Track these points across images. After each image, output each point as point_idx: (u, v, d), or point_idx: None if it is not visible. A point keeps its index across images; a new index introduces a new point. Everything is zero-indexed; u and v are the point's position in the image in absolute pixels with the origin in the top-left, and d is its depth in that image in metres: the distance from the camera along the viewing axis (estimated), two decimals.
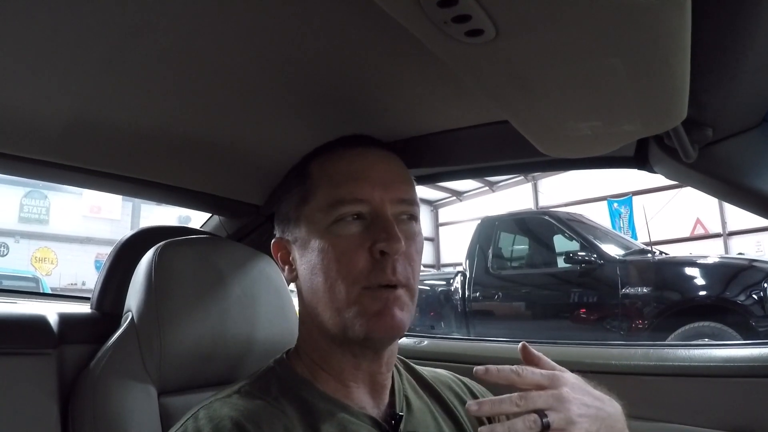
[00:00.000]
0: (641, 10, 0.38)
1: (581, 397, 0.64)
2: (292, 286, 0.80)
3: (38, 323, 0.92)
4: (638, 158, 0.88)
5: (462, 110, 0.85)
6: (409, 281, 0.69)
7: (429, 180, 1.10)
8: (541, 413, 0.60)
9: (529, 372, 0.65)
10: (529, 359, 0.71)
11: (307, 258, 0.71)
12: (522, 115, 0.61)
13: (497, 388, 0.97)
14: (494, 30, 0.40)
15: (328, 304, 0.68)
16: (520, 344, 0.71)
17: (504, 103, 0.57)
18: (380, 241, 0.66)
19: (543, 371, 0.66)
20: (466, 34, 0.41)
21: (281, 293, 1.01)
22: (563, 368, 0.69)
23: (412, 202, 0.73)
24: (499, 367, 0.65)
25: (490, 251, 6.06)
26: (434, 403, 0.79)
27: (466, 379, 0.88)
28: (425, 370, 0.85)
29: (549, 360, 0.70)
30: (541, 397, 0.61)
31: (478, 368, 0.65)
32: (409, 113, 0.87)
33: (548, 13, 0.39)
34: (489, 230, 6.24)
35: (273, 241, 0.78)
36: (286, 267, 0.76)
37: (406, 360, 0.86)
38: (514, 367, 0.65)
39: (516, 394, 0.61)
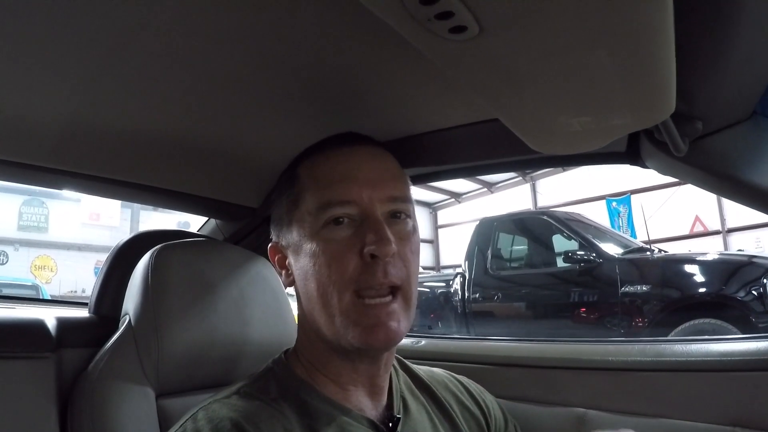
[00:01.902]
0: (623, 1, 0.39)
1: None
2: (291, 290, 0.80)
3: (37, 327, 0.92)
4: (630, 153, 0.88)
5: (454, 109, 0.85)
6: (404, 283, 0.67)
7: (422, 180, 1.10)
8: None
9: None
10: None
11: (301, 263, 0.70)
12: (511, 111, 0.61)
13: (497, 385, 0.97)
14: (477, 26, 0.40)
15: (322, 310, 0.67)
16: None
17: (492, 99, 0.57)
18: (370, 244, 0.65)
19: None
20: (450, 31, 0.41)
21: (278, 295, 1.01)
22: None
23: (404, 199, 0.71)
24: None
25: (489, 252, 6.05)
26: (431, 403, 0.79)
27: (462, 378, 0.88)
28: (422, 370, 0.85)
29: None
30: None
31: None
32: (401, 113, 0.87)
33: (531, 7, 0.39)
34: (488, 231, 6.24)
35: (269, 245, 0.77)
36: (283, 271, 0.75)
37: (403, 359, 0.86)
38: None
39: None
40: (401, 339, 0.67)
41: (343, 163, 0.71)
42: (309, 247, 0.68)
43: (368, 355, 0.69)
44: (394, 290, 0.67)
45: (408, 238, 0.70)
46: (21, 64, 0.66)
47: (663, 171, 0.84)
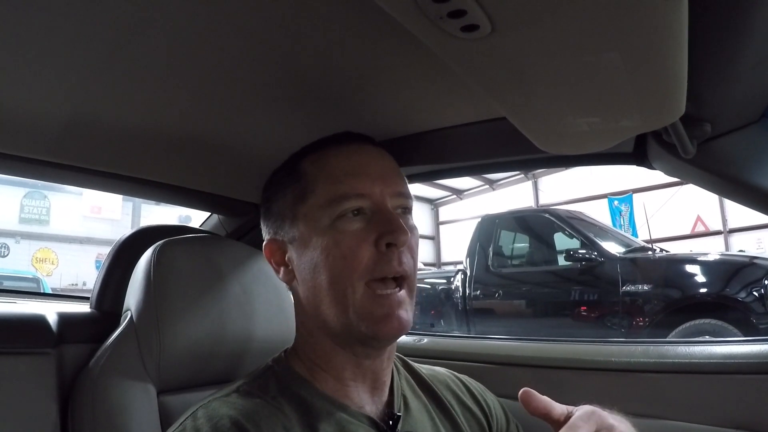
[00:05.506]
0: (637, 4, 0.38)
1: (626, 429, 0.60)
2: None
3: (38, 323, 0.92)
4: (637, 154, 0.88)
5: (460, 107, 0.85)
6: (411, 273, 0.70)
7: (427, 177, 1.10)
8: None
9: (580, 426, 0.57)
10: (535, 406, 0.61)
11: (308, 256, 0.70)
12: (520, 111, 0.61)
13: (499, 385, 0.97)
14: (490, 25, 0.40)
15: (333, 302, 0.68)
16: (522, 392, 0.61)
17: (501, 99, 0.57)
18: (387, 234, 0.67)
19: (583, 416, 0.58)
20: (462, 30, 0.40)
21: (280, 291, 1.01)
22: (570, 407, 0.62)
23: (408, 195, 0.74)
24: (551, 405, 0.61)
25: (490, 249, 6.06)
26: (432, 402, 0.79)
27: (463, 377, 0.88)
28: (423, 369, 0.85)
29: (554, 402, 0.62)
30: (591, 421, 0.56)
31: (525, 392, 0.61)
32: (407, 111, 0.87)
33: (544, 7, 0.39)
34: (489, 228, 6.25)
35: (265, 242, 0.77)
36: (282, 268, 0.75)
37: (405, 358, 0.85)
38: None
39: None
40: (409, 328, 0.69)
41: (355, 158, 0.73)
42: (320, 240, 0.69)
43: (376, 346, 0.70)
44: (401, 281, 0.69)
45: (412, 230, 0.72)
46: (23, 59, 0.66)
47: (670, 173, 0.83)
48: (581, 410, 0.59)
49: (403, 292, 0.69)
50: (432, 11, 0.38)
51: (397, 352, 0.81)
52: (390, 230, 0.67)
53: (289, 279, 0.74)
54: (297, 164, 0.76)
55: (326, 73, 0.74)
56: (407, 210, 0.74)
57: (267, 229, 0.78)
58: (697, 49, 0.50)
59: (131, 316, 0.90)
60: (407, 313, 0.68)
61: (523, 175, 14.53)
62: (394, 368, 0.78)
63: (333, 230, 0.68)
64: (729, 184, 0.77)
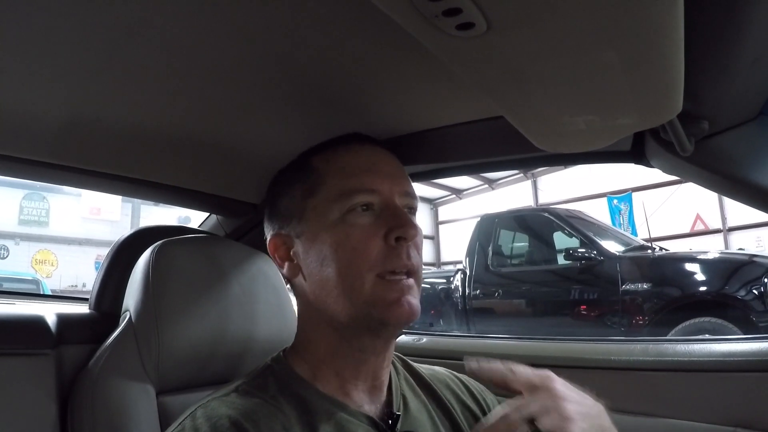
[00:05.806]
0: (634, 2, 0.38)
1: (573, 394, 0.63)
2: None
3: (37, 324, 0.92)
4: (635, 152, 0.88)
5: (458, 106, 0.85)
6: (418, 268, 0.71)
7: (425, 177, 1.10)
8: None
9: (522, 370, 0.65)
10: (488, 378, 0.67)
11: (316, 250, 0.71)
12: (517, 109, 0.61)
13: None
14: (485, 23, 0.40)
15: (341, 294, 0.68)
16: (468, 366, 0.68)
17: (498, 97, 0.57)
18: (396, 228, 0.68)
19: (534, 370, 0.65)
20: (457, 28, 0.40)
21: (279, 292, 1.01)
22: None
23: (414, 196, 0.76)
24: (492, 363, 0.65)
25: (490, 249, 6.06)
26: (431, 402, 0.79)
27: (463, 377, 0.88)
28: (423, 368, 0.85)
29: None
30: (536, 402, 0.60)
31: (470, 363, 0.66)
32: (405, 110, 0.87)
33: (540, 6, 0.39)
34: (489, 228, 6.25)
35: (270, 237, 0.77)
36: (286, 263, 0.75)
37: (404, 358, 0.85)
38: (506, 364, 0.65)
39: (510, 408, 0.61)
40: (418, 316, 0.70)
41: (365, 156, 0.74)
42: (329, 233, 0.70)
43: (385, 335, 0.71)
44: (409, 274, 0.70)
45: (418, 228, 0.73)
46: (22, 60, 0.66)
47: (668, 171, 0.83)
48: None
49: (411, 280, 0.70)
50: (427, 10, 0.38)
51: (396, 351, 0.82)
52: (399, 224, 0.68)
53: (294, 274, 0.74)
54: (306, 161, 0.77)
55: (325, 73, 0.74)
56: (413, 210, 0.75)
57: (271, 225, 0.78)
58: (694, 47, 0.50)
59: (130, 316, 0.90)
60: (416, 299, 0.70)
61: (522, 175, 14.54)
62: (393, 368, 0.78)
63: (343, 224, 0.69)
64: (727, 181, 0.77)
